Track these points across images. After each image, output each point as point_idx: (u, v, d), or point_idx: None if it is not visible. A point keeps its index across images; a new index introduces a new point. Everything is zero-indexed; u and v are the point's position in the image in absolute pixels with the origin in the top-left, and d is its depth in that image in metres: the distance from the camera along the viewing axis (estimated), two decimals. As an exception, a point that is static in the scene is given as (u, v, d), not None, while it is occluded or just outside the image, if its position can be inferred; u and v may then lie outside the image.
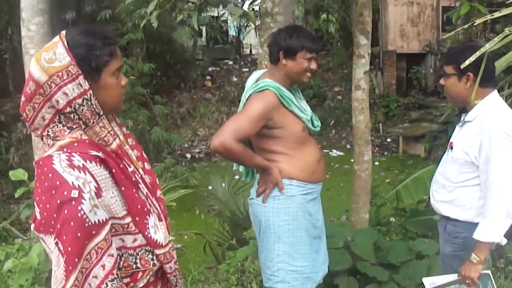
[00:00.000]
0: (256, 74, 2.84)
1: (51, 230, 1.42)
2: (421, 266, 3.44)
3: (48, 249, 1.48)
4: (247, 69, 17.48)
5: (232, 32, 22.15)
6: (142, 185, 1.60)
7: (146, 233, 1.59)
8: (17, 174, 3.39)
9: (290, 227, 2.66)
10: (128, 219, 1.56)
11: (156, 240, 1.61)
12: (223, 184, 6.30)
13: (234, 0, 17.69)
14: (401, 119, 13.74)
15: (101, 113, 1.54)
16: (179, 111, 14.93)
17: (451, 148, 2.57)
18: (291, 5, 3.69)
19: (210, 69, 17.27)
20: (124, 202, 1.55)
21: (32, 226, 1.52)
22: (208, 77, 16.53)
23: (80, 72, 1.46)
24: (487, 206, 2.36)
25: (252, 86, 2.67)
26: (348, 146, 13.08)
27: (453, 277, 2.53)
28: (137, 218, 1.58)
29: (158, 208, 1.66)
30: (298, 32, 2.66)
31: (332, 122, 13.97)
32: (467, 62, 2.30)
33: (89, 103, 1.49)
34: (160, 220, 1.65)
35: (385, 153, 12.79)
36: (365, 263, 3.41)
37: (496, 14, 2.24)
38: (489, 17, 2.24)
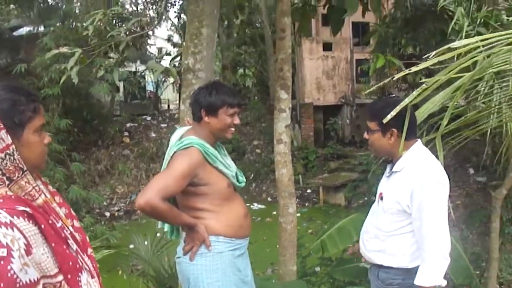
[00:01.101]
0: (180, 131, 2.81)
1: None
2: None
3: None
4: (166, 125, 17.39)
5: (150, 87, 22.07)
6: (71, 241, 1.55)
7: None
8: None
9: (219, 284, 2.61)
10: (60, 277, 1.48)
11: None
12: (146, 243, 6.11)
13: (151, 55, 17.73)
14: (320, 170, 14.08)
15: (25, 168, 1.50)
16: (96, 168, 14.49)
17: (381, 198, 2.61)
18: (212, 61, 3.73)
19: (128, 125, 17.03)
20: (55, 259, 1.47)
21: None
22: (126, 133, 16.26)
23: (2, 126, 1.45)
24: (424, 252, 2.42)
25: (176, 144, 2.64)
26: (269, 199, 13.19)
27: None
28: (69, 276, 1.50)
29: (90, 266, 1.61)
30: (217, 88, 2.68)
31: (252, 175, 14.06)
32: (389, 117, 2.36)
33: (12, 158, 1.47)
34: (92, 277, 1.59)
35: (306, 204, 12.99)
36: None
37: (414, 69, 2.35)
38: (407, 71, 2.35)
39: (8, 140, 1.46)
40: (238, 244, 2.70)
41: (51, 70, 9.84)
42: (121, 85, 19.50)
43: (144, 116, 18.71)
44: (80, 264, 1.56)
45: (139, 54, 16.62)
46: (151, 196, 2.38)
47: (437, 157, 2.68)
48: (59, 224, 1.54)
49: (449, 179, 2.49)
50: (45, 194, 1.58)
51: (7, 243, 1.35)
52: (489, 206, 6.12)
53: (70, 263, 1.52)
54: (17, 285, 1.34)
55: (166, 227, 2.89)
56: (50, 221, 1.50)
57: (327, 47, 15.08)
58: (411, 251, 2.51)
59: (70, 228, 1.61)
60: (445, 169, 2.56)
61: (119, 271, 6.95)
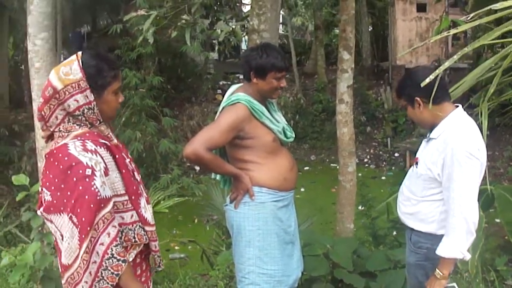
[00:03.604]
0: (232, 89, 3.00)
1: (62, 208, 1.76)
2: (398, 275, 3.50)
3: (55, 228, 1.81)
4: (258, 83, 17.68)
5: (244, 46, 22.37)
6: (136, 173, 2.00)
7: (139, 210, 1.95)
8: (19, 179, 3.54)
9: (260, 232, 2.80)
10: (126, 197, 1.91)
11: (146, 218, 1.97)
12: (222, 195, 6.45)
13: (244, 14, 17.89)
14: (409, 134, 13.77)
15: (101, 119, 1.93)
16: (189, 123, 15.06)
17: (416, 163, 2.64)
18: (277, 22, 3.86)
19: (221, 82, 17.44)
20: (123, 183, 1.91)
21: (40, 210, 1.83)
22: (219, 91, 16.68)
23: (88, 87, 1.85)
24: (448, 223, 2.42)
25: (226, 100, 2.84)
26: (356, 160, 13.14)
27: None
28: (132, 197, 1.93)
29: (146, 195, 2.05)
30: (268, 52, 2.80)
31: (338, 136, 14.01)
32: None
33: (92, 111, 1.88)
34: (148, 203, 2.03)
35: (393, 168, 12.82)
36: (343, 271, 3.51)
37: (453, 31, 2.34)
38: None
39: (91, 97, 1.86)
40: (281, 196, 2.86)
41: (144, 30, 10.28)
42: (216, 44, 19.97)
43: (237, 75, 19.07)
44: (140, 191, 1.99)
45: (234, 13, 16.85)
46: (197, 146, 2.62)
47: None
48: (127, 160, 1.98)
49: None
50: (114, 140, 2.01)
51: (92, 165, 1.77)
52: None
53: (134, 187, 1.95)
54: (98, 197, 1.75)
55: (218, 177, 3.12)
56: (122, 155, 1.94)
57: (421, 7, 14.43)
58: (440, 218, 2.52)
59: (133, 165, 2.04)
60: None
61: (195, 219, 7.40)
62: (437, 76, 2.31)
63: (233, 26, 4.07)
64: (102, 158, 1.83)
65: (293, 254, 2.99)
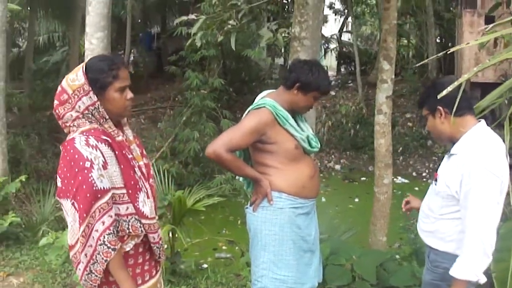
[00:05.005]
0: (263, 93, 3.06)
1: (68, 194, 1.96)
2: (421, 292, 3.46)
3: (65, 211, 2.02)
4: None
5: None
6: (137, 169, 2.14)
7: (136, 204, 2.09)
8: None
9: (276, 237, 2.83)
10: (123, 190, 2.06)
11: (143, 212, 2.11)
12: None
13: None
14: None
15: (107, 117, 2.10)
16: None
17: (436, 180, 2.56)
18: (318, 30, 3.89)
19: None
20: (122, 177, 2.06)
21: (56, 195, 2.05)
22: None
23: (90, 89, 2.05)
24: (464, 243, 2.32)
25: (254, 104, 2.91)
26: (414, 174, 12.85)
27: None
28: (130, 191, 2.08)
29: (148, 190, 2.18)
30: (319, 72, 2.85)
31: (401, 148, 13.73)
32: (443, 94, 2.26)
33: (98, 110, 2.07)
34: (148, 198, 2.16)
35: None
36: (365, 283, 3.49)
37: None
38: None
39: (95, 98, 2.05)
40: (300, 203, 2.87)
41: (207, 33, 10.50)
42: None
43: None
44: (140, 186, 2.12)
45: (280, 20, 16.88)
46: (217, 146, 2.72)
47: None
48: (130, 156, 2.13)
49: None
50: (126, 136, 2.20)
51: (91, 159, 1.95)
52: None
53: (132, 182, 2.09)
54: (94, 188, 1.93)
55: (241, 179, 3.20)
56: (123, 152, 2.10)
57: (489, 20, 13.87)
58: (459, 238, 2.40)
59: (141, 163, 2.20)
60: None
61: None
62: (460, 87, 2.25)
63: (278, 33, 4.12)
64: (101, 153, 2.00)
65: (311, 263, 2.98)
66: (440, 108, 2.46)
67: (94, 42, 4.96)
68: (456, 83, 2.24)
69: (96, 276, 2.00)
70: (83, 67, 2.09)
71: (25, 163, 9.48)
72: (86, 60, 2.23)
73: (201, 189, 5.23)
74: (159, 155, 10.64)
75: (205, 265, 5.93)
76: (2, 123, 5.66)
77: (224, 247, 7.51)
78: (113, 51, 14.33)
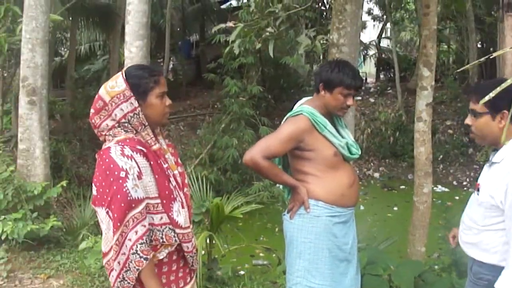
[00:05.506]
0: (302, 101, 3.06)
1: (103, 203, 1.98)
2: (460, 305, 3.38)
3: (100, 219, 2.04)
4: (360, 97, 17.47)
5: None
6: (172, 179, 2.15)
7: (170, 214, 2.10)
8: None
9: (312, 245, 2.82)
10: (158, 200, 2.07)
11: (177, 222, 2.12)
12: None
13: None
14: None
15: (146, 124, 2.12)
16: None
17: (478, 190, 2.47)
18: (357, 37, 3.86)
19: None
20: (157, 187, 2.07)
21: (91, 202, 2.09)
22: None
23: (132, 95, 2.07)
24: (509, 255, 2.25)
25: (292, 111, 2.91)
26: (454, 182, 12.58)
27: None
28: (164, 201, 2.09)
29: (183, 199, 2.18)
30: (340, 67, 2.82)
31: (441, 156, 13.45)
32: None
33: (138, 116, 2.09)
34: (182, 207, 2.16)
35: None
36: (403, 293, 3.44)
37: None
38: None
39: (136, 104, 2.07)
40: (338, 212, 2.84)
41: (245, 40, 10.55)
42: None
43: (341, 87, 18.88)
44: (175, 196, 2.13)
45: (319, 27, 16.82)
46: (255, 153, 2.73)
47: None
48: (165, 165, 2.13)
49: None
50: (162, 146, 2.20)
51: (126, 169, 1.97)
52: None
53: (167, 192, 2.10)
54: (128, 198, 1.95)
55: (281, 187, 3.20)
56: (158, 161, 2.11)
57: (534, 22, 13.53)
58: (504, 249, 2.32)
59: (175, 171, 2.21)
60: None
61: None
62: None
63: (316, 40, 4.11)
64: (136, 163, 2.02)
65: (348, 272, 2.94)
66: (506, 112, 2.32)
67: (133, 50, 5.05)
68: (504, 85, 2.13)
69: (129, 283, 2.03)
70: (122, 74, 2.12)
71: (66, 169, 9.67)
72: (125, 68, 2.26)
73: (239, 196, 5.25)
74: (197, 161, 10.72)
75: (242, 272, 5.96)
76: (45, 130, 5.80)
77: (261, 254, 7.51)
78: (153, 59, 14.58)
